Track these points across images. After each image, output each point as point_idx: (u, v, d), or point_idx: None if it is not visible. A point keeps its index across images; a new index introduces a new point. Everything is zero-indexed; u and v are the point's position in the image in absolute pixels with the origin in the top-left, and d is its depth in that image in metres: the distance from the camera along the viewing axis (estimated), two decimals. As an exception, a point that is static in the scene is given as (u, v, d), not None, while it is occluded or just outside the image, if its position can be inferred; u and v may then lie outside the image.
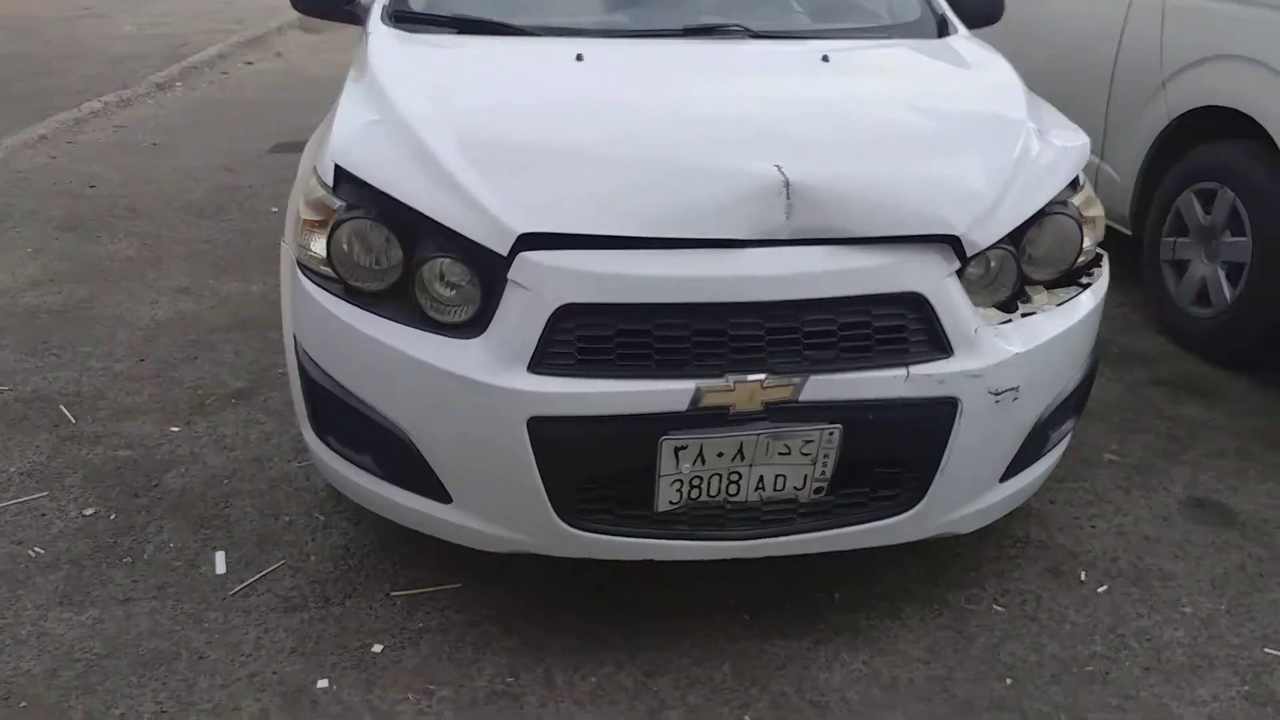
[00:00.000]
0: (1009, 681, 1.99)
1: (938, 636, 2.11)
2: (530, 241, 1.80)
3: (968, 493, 2.02)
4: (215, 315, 3.62)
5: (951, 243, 1.89)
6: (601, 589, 2.20)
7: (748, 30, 2.57)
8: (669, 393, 1.80)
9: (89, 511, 2.48)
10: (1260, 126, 3.12)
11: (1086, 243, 2.11)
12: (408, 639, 2.08)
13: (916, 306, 1.88)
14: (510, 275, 1.81)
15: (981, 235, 1.91)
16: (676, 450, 1.82)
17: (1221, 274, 3.32)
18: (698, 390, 1.79)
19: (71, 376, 3.15)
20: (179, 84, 7.24)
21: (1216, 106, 3.32)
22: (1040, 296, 2.08)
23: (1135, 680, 2.00)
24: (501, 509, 1.93)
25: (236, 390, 3.09)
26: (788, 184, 1.84)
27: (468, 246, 1.85)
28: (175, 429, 2.87)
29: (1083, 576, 2.30)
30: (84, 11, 9.90)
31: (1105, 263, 2.21)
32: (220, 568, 2.29)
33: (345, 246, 1.95)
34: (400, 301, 1.94)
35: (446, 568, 2.27)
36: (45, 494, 2.55)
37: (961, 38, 2.73)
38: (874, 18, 2.84)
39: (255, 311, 3.65)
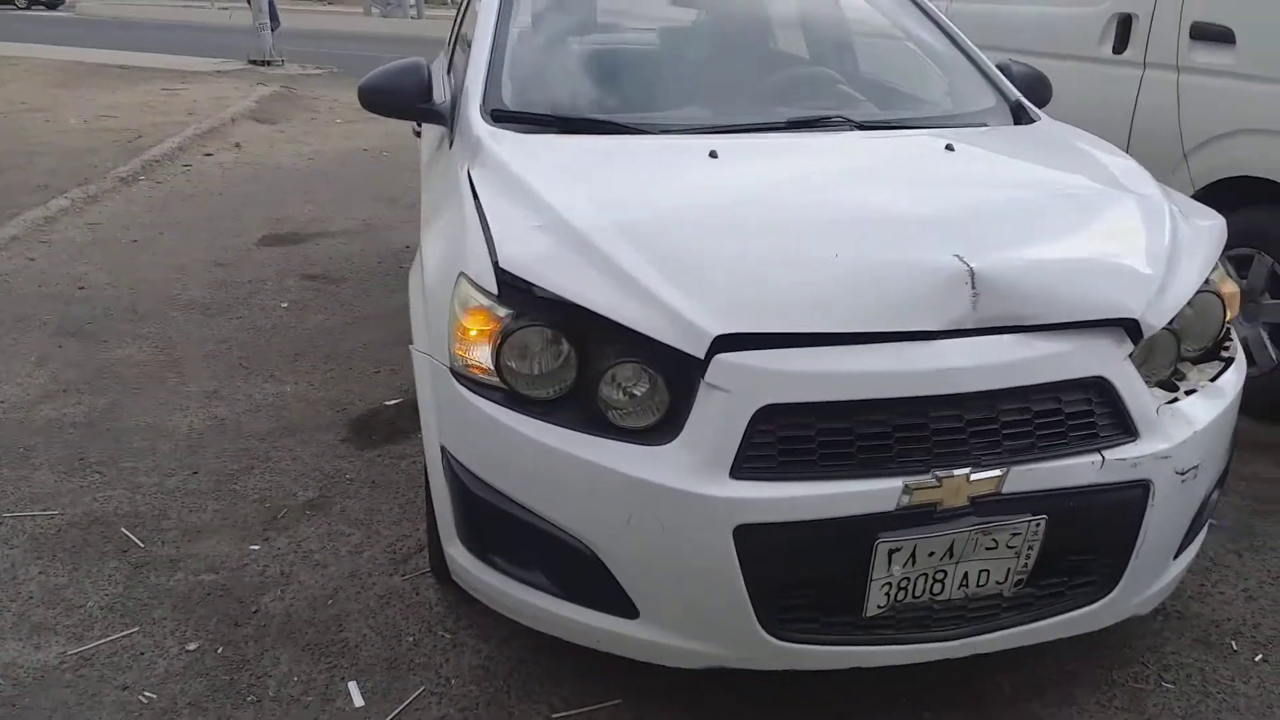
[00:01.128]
0: (1211, 764, 1.97)
1: (1121, 720, 2.08)
2: (725, 343, 1.75)
3: (1153, 573, 2.02)
4: (257, 420, 3.45)
5: (1125, 325, 1.90)
6: (767, 695, 2.12)
7: (850, 121, 2.60)
8: (877, 493, 1.75)
9: (192, 647, 2.30)
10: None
11: (1228, 317, 2.16)
12: (587, 765, 1.97)
13: (1101, 391, 1.88)
14: (707, 378, 1.76)
15: (1155, 316, 1.93)
16: (891, 552, 1.77)
17: (1264, 334, 3.44)
18: (905, 488, 1.75)
19: (124, 495, 2.95)
20: (143, 178, 7.04)
21: (1242, 177, 3.48)
22: (1193, 374, 2.11)
23: (1330, 753, 2.00)
24: (698, 622, 1.85)
25: (308, 501, 2.94)
26: (972, 273, 1.84)
27: (657, 350, 1.79)
28: (255, 547, 2.70)
29: (1234, 646, 2.30)
30: (22, 106, 9.62)
31: (1235, 335, 2.26)
32: (358, 700, 2.14)
33: (518, 355, 1.88)
34: (576, 408, 1.87)
35: (598, 682, 2.16)
36: (136, 629, 2.36)
37: (1050, 122, 2.81)
38: (953, 104, 2.88)
39: (298, 415, 3.50)
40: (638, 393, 1.84)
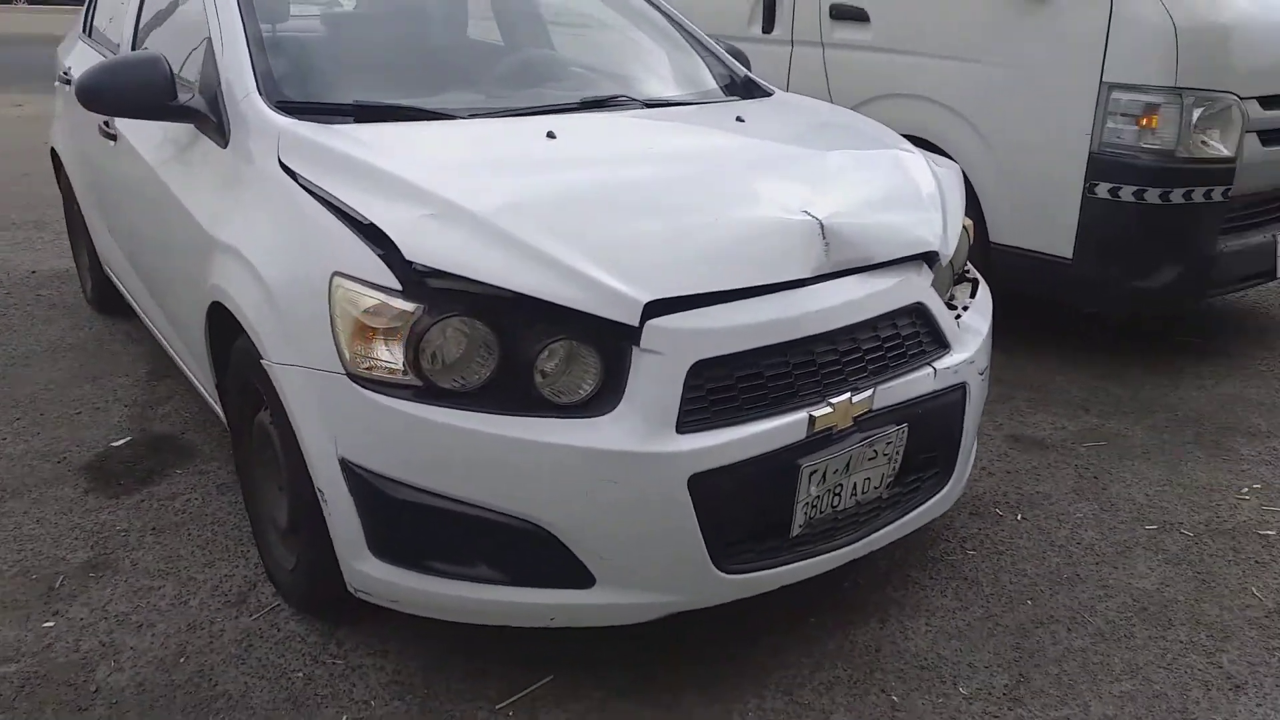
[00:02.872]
0: (1030, 603, 2.43)
1: (953, 586, 2.49)
2: (654, 309, 1.86)
3: (968, 459, 2.44)
4: (-44, 488, 2.89)
5: (926, 258, 2.28)
6: (670, 637, 2.24)
7: (637, 100, 2.75)
8: (791, 424, 1.96)
9: (35, 746, 1.95)
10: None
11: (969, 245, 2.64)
12: (554, 742, 1.98)
13: (920, 314, 2.24)
14: (641, 344, 1.85)
15: (946, 248, 2.33)
16: (810, 474, 1.99)
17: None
18: (810, 417, 1.98)
19: None
20: None
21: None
22: (958, 294, 2.56)
23: (1097, 572, 2.56)
24: (655, 575, 1.94)
25: (85, 561, 2.55)
26: (822, 225, 2.10)
27: (588, 324, 1.85)
28: (48, 624, 2.31)
29: (999, 512, 2.84)
30: None
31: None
32: (277, 748, 1.95)
33: (438, 349, 1.83)
34: (504, 393, 1.87)
35: (520, 665, 2.17)
36: (-55, 748, 1.95)
37: (784, 93, 3.17)
38: (704, 83, 3.12)
39: (10, 474, 3.00)
40: (572, 368, 1.88)
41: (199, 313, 2.41)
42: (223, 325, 2.32)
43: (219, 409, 2.65)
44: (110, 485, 2.93)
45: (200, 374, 2.72)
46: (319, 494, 1.99)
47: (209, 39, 2.61)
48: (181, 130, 2.63)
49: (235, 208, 2.28)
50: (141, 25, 3.25)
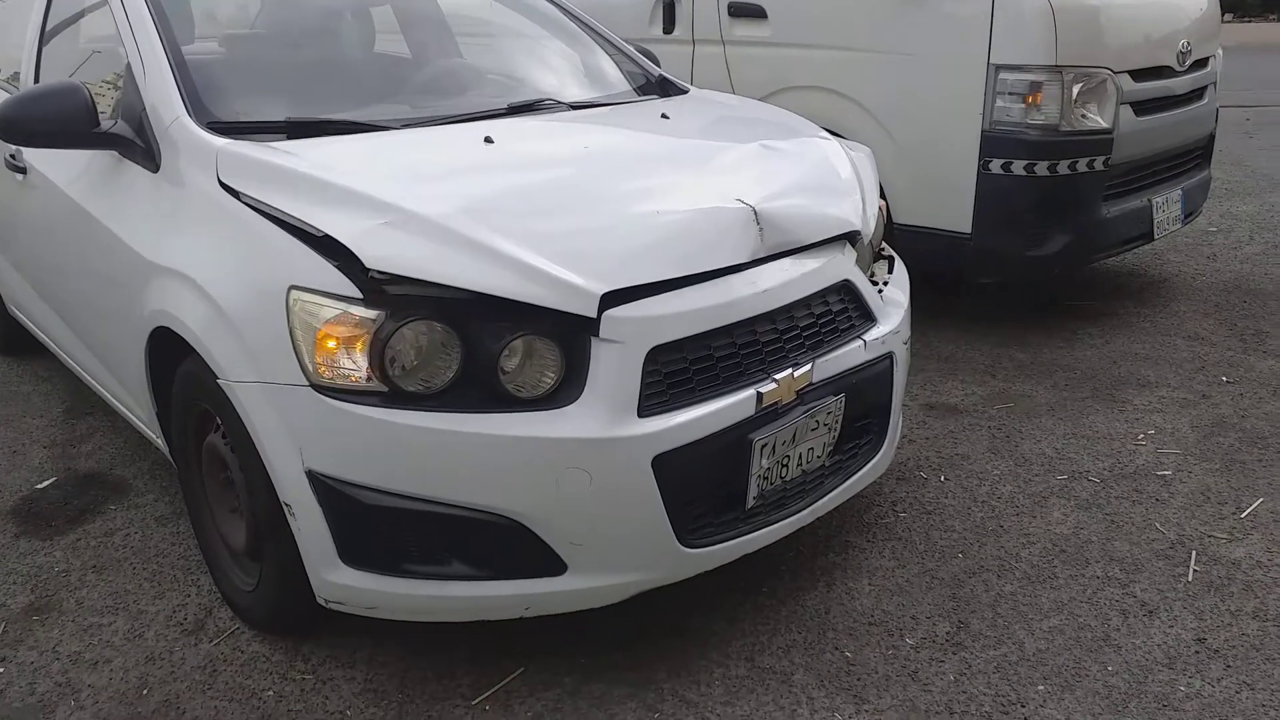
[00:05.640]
0: (961, 556, 2.60)
1: (890, 547, 2.64)
2: (610, 300, 1.94)
3: (897, 425, 2.59)
4: (-121, 542, 2.79)
5: (849, 237, 2.42)
6: (633, 619, 2.33)
7: (562, 103, 2.83)
8: (741, 401, 2.07)
9: (7, 790, 1.92)
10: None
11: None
12: (534, 730, 2.05)
13: (848, 290, 2.38)
14: (601, 335, 1.93)
15: (866, 228, 2.48)
16: (762, 447, 2.10)
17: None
18: (757, 393, 2.10)
19: None
20: None
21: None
22: (878, 270, 2.71)
23: (1018, 522, 2.74)
24: (623, 556, 2.02)
25: (27, 605, 2.50)
26: (755, 212, 2.22)
27: (548, 319, 1.92)
28: (-1, 670, 2.27)
29: (923, 475, 3.01)
30: None
31: (881, 236, 2.92)
32: (260, 764, 1.97)
33: (403, 354, 1.88)
34: (468, 392, 1.93)
35: (489, 661, 2.23)
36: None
37: (698, 90, 3.28)
38: (622, 83, 3.21)
39: (-67, 522, 2.89)
40: (533, 362, 1.95)
41: (137, 341, 2.39)
42: (164, 351, 2.31)
43: (159, 439, 2.62)
44: (42, 527, 2.87)
45: (136, 405, 2.68)
46: (285, 508, 2.01)
47: (128, 64, 2.59)
48: (104, 158, 2.59)
49: (175, 231, 2.27)
50: (43, 53, 3.18)
